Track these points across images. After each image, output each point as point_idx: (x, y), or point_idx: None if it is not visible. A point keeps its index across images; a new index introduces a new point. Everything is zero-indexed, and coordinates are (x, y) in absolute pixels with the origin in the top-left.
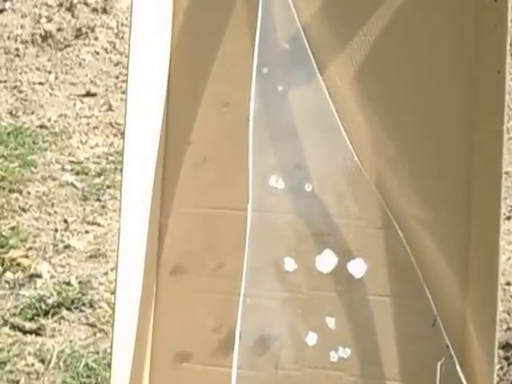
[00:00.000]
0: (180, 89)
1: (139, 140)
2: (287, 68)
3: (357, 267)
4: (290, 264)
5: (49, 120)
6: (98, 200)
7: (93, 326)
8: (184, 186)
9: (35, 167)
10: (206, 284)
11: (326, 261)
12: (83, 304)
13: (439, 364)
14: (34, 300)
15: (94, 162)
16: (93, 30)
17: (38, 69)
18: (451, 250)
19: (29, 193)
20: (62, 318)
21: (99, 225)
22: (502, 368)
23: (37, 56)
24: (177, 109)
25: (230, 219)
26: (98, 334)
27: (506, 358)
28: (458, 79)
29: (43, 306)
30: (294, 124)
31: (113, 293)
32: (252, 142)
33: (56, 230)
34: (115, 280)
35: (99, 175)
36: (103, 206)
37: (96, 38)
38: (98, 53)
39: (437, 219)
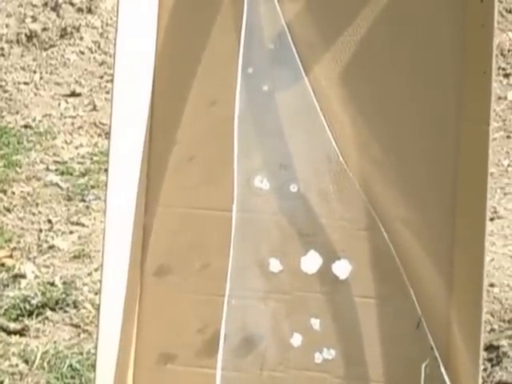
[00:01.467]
0: (165, 88)
1: (124, 139)
2: (272, 68)
3: (341, 268)
4: (274, 265)
5: (33, 120)
6: (83, 200)
7: (77, 326)
8: (169, 186)
9: (20, 167)
10: (191, 285)
11: (311, 262)
12: (67, 304)
13: (424, 365)
14: (18, 300)
15: (79, 162)
16: (78, 30)
17: (22, 68)
18: (436, 252)
19: (13, 193)
20: (46, 318)
21: (83, 225)
22: (485, 370)
23: (22, 56)
24: (162, 108)
25: (214, 219)
26: (82, 335)
27: (490, 360)
28: (444, 79)
29: (27, 307)
30: (279, 124)
31: (97, 293)
32: (237, 142)
33: (40, 231)
34: (100, 280)
35: (84, 175)
36: (87, 207)
37: (81, 38)
38: (82, 52)
39: (422, 220)
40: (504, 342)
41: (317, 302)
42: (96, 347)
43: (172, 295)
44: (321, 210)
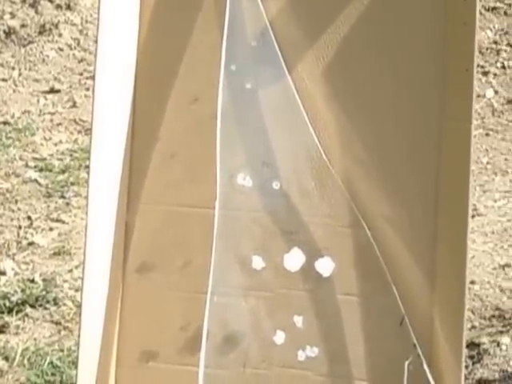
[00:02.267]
0: (147, 85)
1: (106, 136)
2: (255, 65)
3: (325, 266)
4: (257, 262)
5: (12, 116)
6: (62, 197)
7: (57, 323)
8: (151, 183)
9: None
10: (173, 282)
11: (294, 259)
12: (47, 301)
13: (406, 363)
14: None
15: (58, 159)
16: (57, 27)
17: (1, 65)
18: (419, 249)
19: None
20: (26, 315)
21: (63, 222)
22: (466, 367)
23: (0, 52)
24: (144, 105)
25: (197, 217)
26: (63, 332)
27: (471, 357)
28: (426, 77)
29: (7, 304)
30: (262, 122)
31: (77, 290)
32: (220, 140)
33: (20, 227)
34: (81, 278)
35: (63, 172)
36: (67, 203)
37: (60, 35)
38: (61, 49)
39: (405, 218)
40: (485, 340)
41: (300, 300)
42: (78, 345)
43: (154, 293)
44: (303, 208)
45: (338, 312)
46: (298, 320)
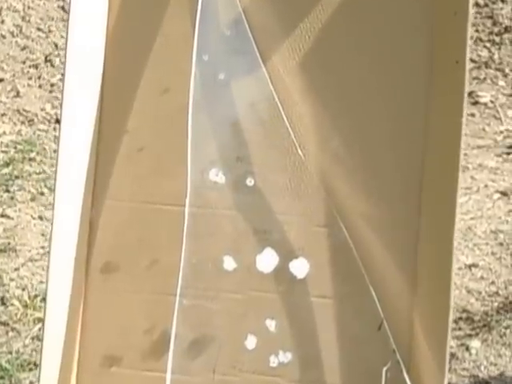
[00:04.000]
0: (115, 74)
1: (72, 128)
2: (228, 55)
3: (299, 267)
4: (229, 263)
5: None
6: (7, 191)
7: (5, 324)
8: (117, 178)
9: None
10: (139, 283)
11: (267, 260)
12: None
13: (385, 369)
14: None
15: (2, 151)
16: None
17: None
18: (400, 250)
19: None
20: None
21: (8, 217)
22: None
23: None
24: (112, 95)
25: (166, 214)
26: (11, 333)
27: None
28: (413, 69)
29: None
30: (235, 114)
31: (24, 289)
32: (191, 133)
33: None
34: (46, 279)
35: (7, 165)
36: (12, 198)
37: (2, 22)
38: (4, 36)
39: (385, 217)
40: (452, 343)
41: (273, 303)
42: (41, 348)
43: (119, 294)
44: (278, 206)
45: (312, 315)
46: (271, 324)
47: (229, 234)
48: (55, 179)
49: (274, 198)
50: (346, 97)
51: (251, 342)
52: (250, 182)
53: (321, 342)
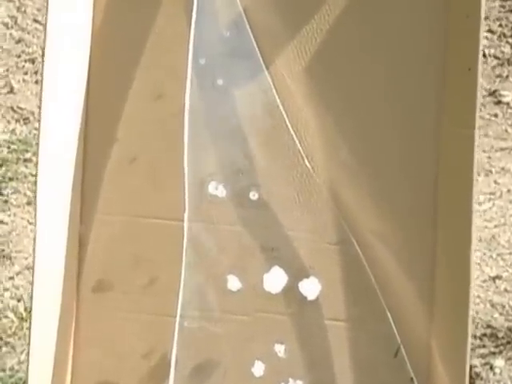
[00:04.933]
0: (103, 78)
1: (55, 137)
2: (228, 59)
3: (310, 287)
4: (233, 282)
5: None
6: (0, 194)
7: None
8: (108, 191)
9: None
10: (135, 303)
11: (275, 279)
12: None
13: None
14: None
15: None
16: None
17: None
18: (416, 268)
19: None
20: None
21: (2, 222)
22: None
23: None
24: (98, 100)
25: (163, 229)
26: (4, 349)
27: None
28: (424, 76)
29: None
30: (236, 123)
31: (20, 300)
32: (187, 142)
33: None
34: (31, 298)
35: (0, 166)
36: (6, 201)
37: None
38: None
39: (399, 233)
40: (476, 362)
41: (282, 326)
42: (27, 374)
43: (113, 315)
44: (285, 221)
45: (324, 340)
46: (280, 349)
47: (233, 251)
48: (36, 193)
49: (280, 212)
50: (355, 104)
51: (259, 369)
52: (253, 195)
53: (333, 368)
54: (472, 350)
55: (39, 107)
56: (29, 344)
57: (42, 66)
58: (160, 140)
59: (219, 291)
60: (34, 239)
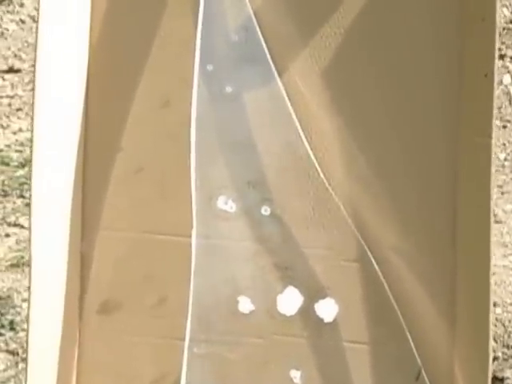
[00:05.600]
0: (105, 83)
1: (51, 147)
2: (237, 65)
3: (326, 308)
4: (245, 304)
5: None
6: (21, 196)
7: (14, 353)
8: (111, 205)
9: None
10: (144, 325)
11: (289, 301)
12: (2, 326)
13: None
14: None
15: (17, 151)
16: None
17: None
18: (437, 287)
19: None
20: None
21: (23, 227)
22: None
23: None
24: (101, 107)
25: (170, 246)
26: (21, 365)
27: None
28: (440, 83)
29: None
30: (245, 133)
31: None
32: (195, 154)
33: None
34: (28, 322)
35: (23, 166)
36: (27, 204)
37: (21, 5)
38: (23, 21)
39: (419, 250)
40: (509, 373)
41: (297, 350)
42: None
43: (119, 338)
44: (300, 238)
45: (342, 364)
46: (296, 375)
47: (244, 270)
48: (30, 208)
49: (295, 229)
50: (371, 113)
51: None
52: (265, 210)
53: None
54: (505, 360)
55: (31, 118)
56: (26, 372)
57: (34, 73)
58: (167, 149)
59: (230, 314)
60: (30, 258)
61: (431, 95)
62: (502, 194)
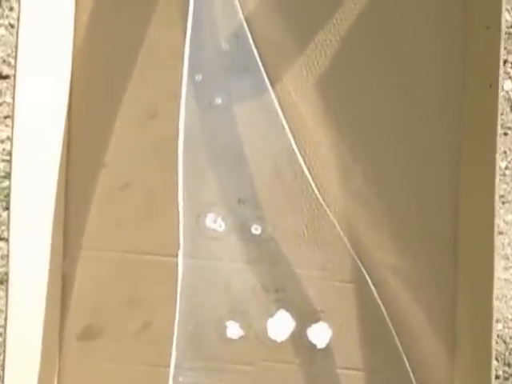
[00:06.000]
0: (88, 93)
1: (31, 162)
2: (227, 75)
3: (320, 333)
4: (233, 329)
5: None
6: (7, 209)
7: None
8: (94, 223)
9: None
10: (127, 352)
11: (281, 325)
12: None
13: None
14: None
15: (3, 160)
16: None
17: None
18: (437, 311)
19: None
20: None
21: (8, 241)
22: None
23: None
24: (83, 120)
25: (157, 267)
26: None
27: None
28: (442, 94)
29: None
30: (236, 147)
31: None
32: (182, 169)
33: None
34: (3, 350)
35: (9, 176)
36: None
37: (11, 9)
38: (12, 26)
39: (418, 270)
40: None
41: (289, 377)
42: None
43: (102, 366)
44: (292, 258)
45: None
46: None
47: (233, 293)
48: (8, 225)
49: (287, 248)
50: (369, 126)
51: None
52: (256, 229)
53: None
54: (506, 378)
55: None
56: None
57: (14, 81)
58: (153, 165)
59: (218, 339)
60: (7, 279)
61: (432, 107)
62: (503, 203)
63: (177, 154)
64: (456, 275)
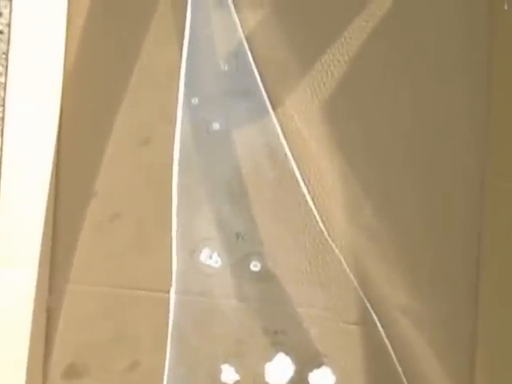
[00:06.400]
0: (78, 120)
1: (18, 191)
2: (225, 98)
3: (322, 379)
4: (228, 374)
5: None
6: None
7: None
8: (83, 255)
9: None
10: None
11: (279, 370)
12: None
13: None
14: None
15: None
16: None
17: None
18: (452, 356)
19: None
20: None
21: None
22: None
23: None
24: (73, 145)
25: (148, 303)
26: None
27: None
28: (463, 124)
29: None
30: (235, 176)
31: None
32: (177, 199)
33: None
34: None
35: None
36: None
37: None
38: (1, 32)
39: (431, 312)
40: None
41: None
42: None
43: None
44: (293, 297)
45: None
46: None
47: (228, 334)
48: None
49: (288, 286)
50: (378, 154)
51: None
52: (255, 266)
53: None
54: None
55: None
56: None
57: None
58: (145, 194)
59: None
60: None
61: (450, 137)
62: None
63: (171, 184)
64: (476, 316)
